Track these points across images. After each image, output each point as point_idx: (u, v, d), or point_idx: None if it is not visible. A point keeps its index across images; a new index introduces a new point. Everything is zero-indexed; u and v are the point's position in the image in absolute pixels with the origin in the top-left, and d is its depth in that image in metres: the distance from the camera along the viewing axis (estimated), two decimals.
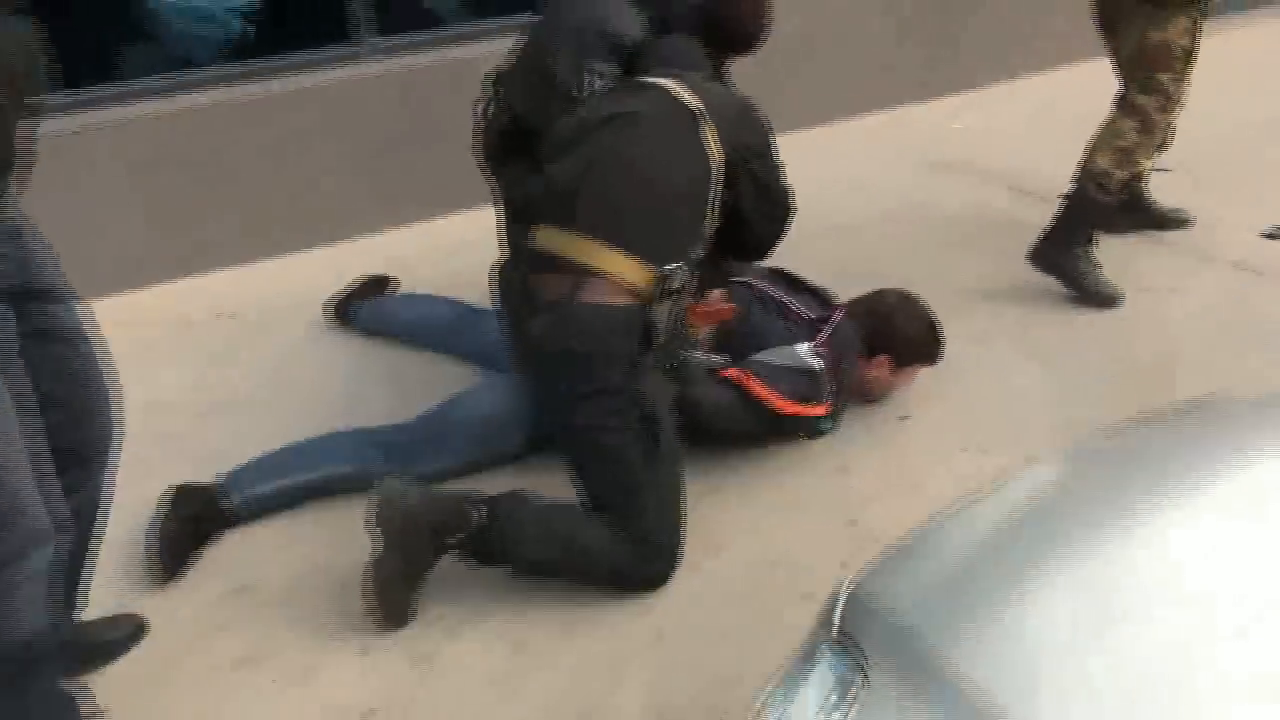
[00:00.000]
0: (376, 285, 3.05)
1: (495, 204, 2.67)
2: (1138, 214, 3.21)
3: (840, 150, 4.14)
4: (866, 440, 2.36)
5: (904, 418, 2.45)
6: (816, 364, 2.19)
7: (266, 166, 3.36)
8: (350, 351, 2.84)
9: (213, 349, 2.91)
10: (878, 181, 3.83)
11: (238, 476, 2.20)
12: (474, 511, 1.86)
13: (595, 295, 1.90)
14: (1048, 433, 2.35)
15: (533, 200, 2.05)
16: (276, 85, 3.38)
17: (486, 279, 2.36)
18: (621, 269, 1.90)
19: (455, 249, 3.35)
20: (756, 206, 2.13)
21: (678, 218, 1.97)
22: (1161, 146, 2.90)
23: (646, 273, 1.90)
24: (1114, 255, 2.94)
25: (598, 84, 2.27)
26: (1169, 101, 2.76)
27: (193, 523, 2.11)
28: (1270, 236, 3.21)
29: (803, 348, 2.22)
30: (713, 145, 1.98)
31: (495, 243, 2.42)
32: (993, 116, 4.41)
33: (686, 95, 2.00)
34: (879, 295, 2.43)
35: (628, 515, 1.89)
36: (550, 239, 1.97)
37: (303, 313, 3.00)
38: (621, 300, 1.90)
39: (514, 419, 2.28)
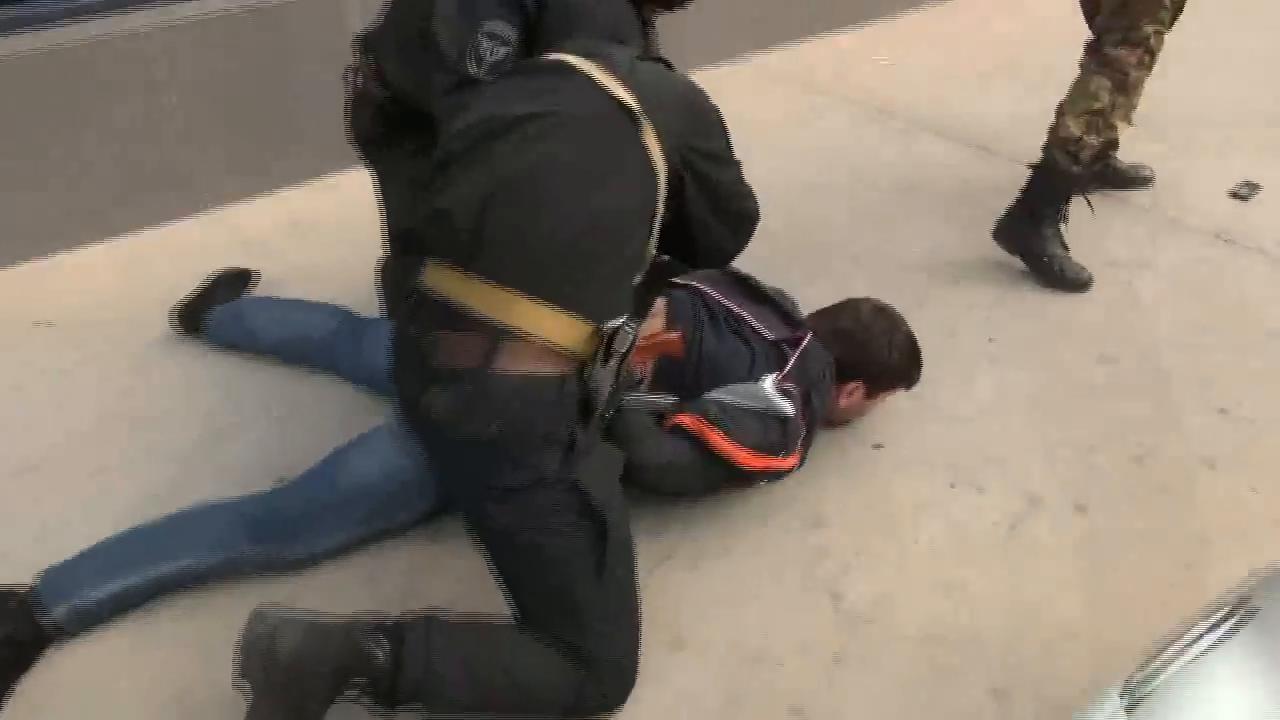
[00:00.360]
0: (234, 283, 2.50)
1: (376, 193, 2.17)
2: (1098, 172, 2.90)
3: (758, 92, 3.70)
4: (839, 480, 2.01)
5: (878, 446, 2.10)
6: (788, 407, 1.80)
7: None
8: (205, 374, 2.31)
9: (18, 374, 2.33)
10: (810, 133, 3.42)
11: (58, 578, 1.70)
12: (375, 649, 1.42)
13: (516, 364, 1.43)
14: (1042, 459, 2.04)
15: (418, 229, 1.55)
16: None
17: (350, 271, 1.88)
18: (550, 329, 1.43)
19: (311, 226, 2.82)
20: (711, 217, 1.68)
21: (620, 256, 1.50)
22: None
23: (584, 331, 1.45)
24: (1075, 220, 2.62)
25: (495, 53, 1.77)
26: (1150, 57, 2.41)
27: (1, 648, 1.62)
28: (1237, 196, 2.96)
29: (769, 384, 1.82)
30: (655, 153, 1.49)
31: (360, 224, 1.94)
32: (913, 51, 4.03)
33: (618, 88, 1.50)
34: (849, 310, 2.04)
35: (573, 635, 1.49)
36: (448, 284, 1.47)
37: (139, 322, 2.44)
38: (551, 368, 1.44)
39: (417, 480, 1.82)
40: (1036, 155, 2.56)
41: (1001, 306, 2.52)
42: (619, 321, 1.48)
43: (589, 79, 1.51)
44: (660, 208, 1.53)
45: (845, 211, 2.94)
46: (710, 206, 1.63)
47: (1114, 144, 2.50)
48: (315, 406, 2.20)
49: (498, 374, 1.42)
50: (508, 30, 1.75)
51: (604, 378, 1.49)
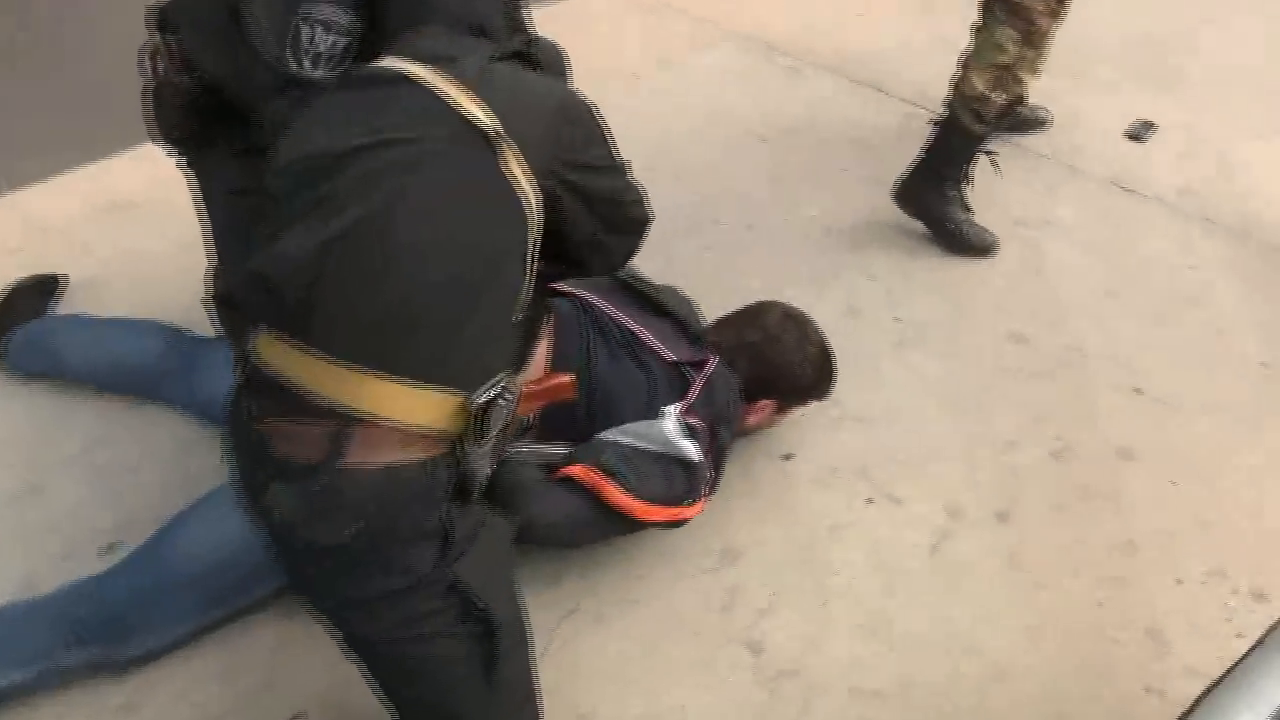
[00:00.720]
0: (35, 294, 2.12)
1: (196, 200, 1.83)
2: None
3: (622, 25, 3.38)
4: (749, 502, 1.83)
5: (787, 457, 1.93)
6: (693, 451, 1.61)
7: None
8: (6, 412, 1.95)
9: None
10: (688, 73, 3.14)
11: None
12: None
13: (371, 454, 1.18)
14: (959, 461, 1.92)
15: (237, 294, 1.26)
16: None
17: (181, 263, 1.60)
18: (409, 409, 1.18)
19: (126, 206, 2.43)
20: (599, 233, 1.44)
21: (489, 310, 1.25)
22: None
23: (451, 405, 1.20)
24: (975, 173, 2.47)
25: (327, 44, 1.45)
26: (1060, 4, 2.23)
27: None
28: (1133, 137, 2.86)
29: (670, 421, 1.62)
30: (521, 180, 1.23)
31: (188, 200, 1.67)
32: None
33: (469, 104, 1.22)
34: (756, 319, 1.83)
35: None
36: (282, 360, 1.20)
37: None
38: (415, 454, 1.20)
39: (260, 557, 1.56)
40: (931, 94, 2.36)
41: (905, 277, 2.36)
42: (493, 390, 1.24)
43: (433, 95, 1.23)
44: (536, 242, 1.28)
45: (732, 166, 2.71)
46: (596, 222, 1.40)
47: (1021, 99, 2.33)
48: (145, 448, 1.89)
49: (349, 468, 1.17)
50: (341, 15, 1.42)
51: (480, 457, 1.26)
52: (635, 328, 1.75)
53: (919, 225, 2.45)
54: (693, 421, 1.65)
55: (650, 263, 2.01)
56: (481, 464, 1.26)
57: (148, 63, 1.68)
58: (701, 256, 2.37)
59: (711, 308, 1.94)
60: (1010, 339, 2.20)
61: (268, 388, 1.21)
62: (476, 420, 1.21)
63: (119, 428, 1.92)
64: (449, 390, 1.19)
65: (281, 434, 1.20)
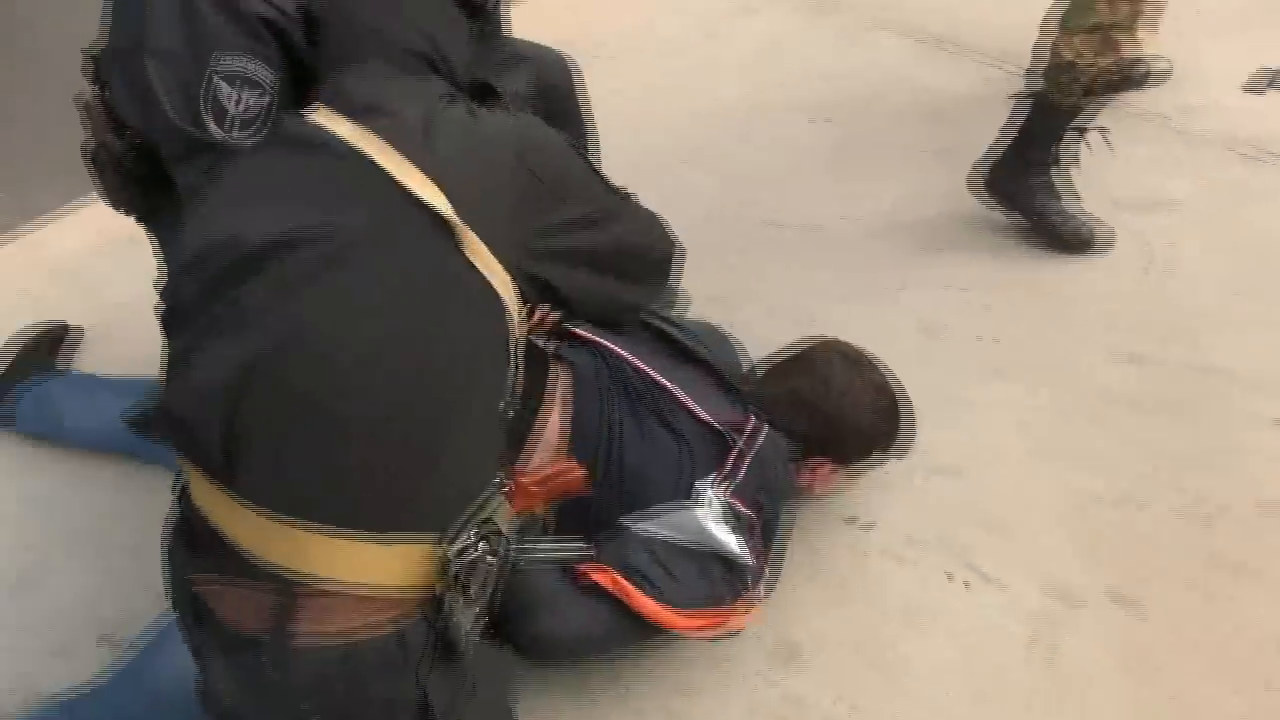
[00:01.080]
0: (43, 349, 1.89)
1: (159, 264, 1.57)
2: None
3: None
4: (810, 583, 1.54)
5: (851, 520, 1.62)
6: (734, 546, 1.31)
7: None
8: (7, 479, 1.75)
9: None
10: (732, 41, 2.78)
11: None
12: None
13: (325, 623, 0.94)
14: (1064, 524, 1.59)
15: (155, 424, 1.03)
16: None
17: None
18: (366, 568, 0.94)
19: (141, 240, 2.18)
20: (605, 288, 1.14)
21: (462, 431, 0.98)
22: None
23: (420, 553, 0.95)
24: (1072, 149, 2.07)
25: (244, 103, 1.18)
26: None
27: None
28: (1253, 89, 2.43)
29: (705, 508, 1.32)
30: (486, 262, 0.96)
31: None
32: None
33: (412, 176, 0.94)
34: (808, 366, 1.51)
35: None
36: (214, 507, 0.97)
37: None
38: (380, 618, 0.95)
39: None
40: (1015, 50, 1.99)
41: (991, 284, 2.00)
42: (472, 533, 0.97)
43: (367, 166, 0.95)
44: (515, 329, 1.00)
45: (782, 151, 2.36)
46: (607, 280, 1.13)
47: (1125, 65, 1.93)
48: (149, 522, 1.65)
49: (300, 644, 0.94)
50: (259, 69, 1.17)
51: (465, 613, 0.99)
52: (665, 382, 1.45)
53: (1002, 215, 2.09)
54: (736, 504, 1.35)
55: (688, 280, 1.73)
56: (466, 618, 1.00)
57: (81, 111, 1.42)
58: (750, 268, 2.05)
59: (761, 339, 1.64)
60: (1122, 359, 1.84)
61: (204, 538, 0.98)
62: (456, 565, 0.95)
63: (125, 498, 1.69)
64: (414, 538, 0.94)
65: (220, 597, 0.98)
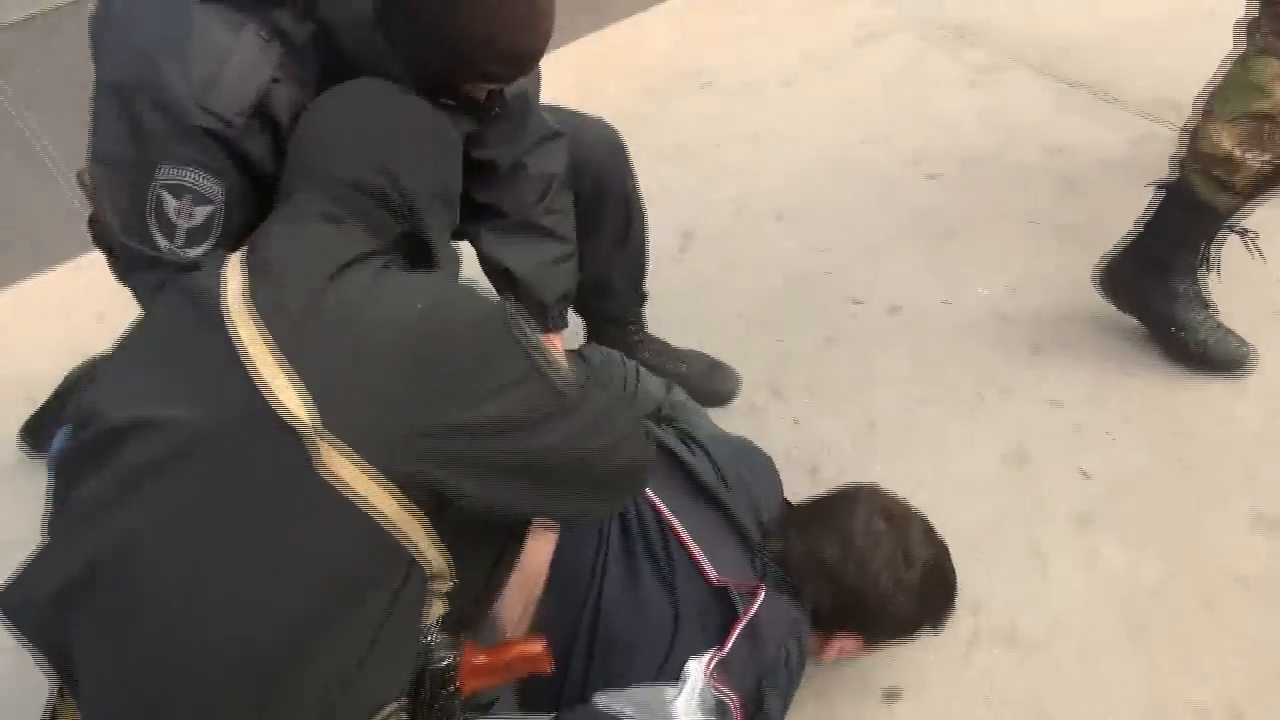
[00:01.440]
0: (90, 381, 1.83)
1: None
2: None
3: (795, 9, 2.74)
4: None
5: (892, 696, 1.36)
6: None
7: None
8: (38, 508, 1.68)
9: None
10: (848, 73, 2.49)
11: None
12: None
13: None
14: None
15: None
16: None
17: None
18: None
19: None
20: (545, 501, 0.96)
21: (330, 658, 0.81)
22: None
23: None
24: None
25: (190, 216, 1.10)
26: None
27: None
28: None
29: (684, 700, 1.10)
30: (353, 480, 0.80)
31: None
32: None
33: (270, 368, 0.81)
34: (835, 523, 1.24)
35: None
36: None
37: None
38: None
39: None
40: (1182, 99, 1.64)
41: (1104, 405, 1.67)
42: None
43: (236, 354, 0.81)
44: (403, 539, 0.83)
45: (879, 211, 2.07)
46: (523, 489, 0.91)
47: None
48: None
49: None
50: (204, 180, 1.06)
51: None
52: (679, 526, 1.22)
53: (1134, 320, 1.75)
54: (722, 692, 1.12)
55: (738, 360, 1.50)
56: None
57: (85, 189, 1.33)
58: (814, 353, 1.79)
59: (809, 445, 1.42)
60: (1259, 526, 1.49)
61: None
62: None
63: None
64: None
65: None
